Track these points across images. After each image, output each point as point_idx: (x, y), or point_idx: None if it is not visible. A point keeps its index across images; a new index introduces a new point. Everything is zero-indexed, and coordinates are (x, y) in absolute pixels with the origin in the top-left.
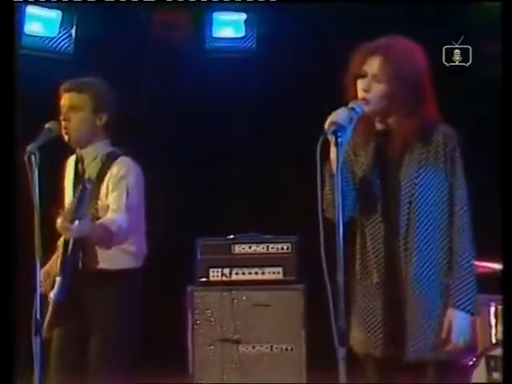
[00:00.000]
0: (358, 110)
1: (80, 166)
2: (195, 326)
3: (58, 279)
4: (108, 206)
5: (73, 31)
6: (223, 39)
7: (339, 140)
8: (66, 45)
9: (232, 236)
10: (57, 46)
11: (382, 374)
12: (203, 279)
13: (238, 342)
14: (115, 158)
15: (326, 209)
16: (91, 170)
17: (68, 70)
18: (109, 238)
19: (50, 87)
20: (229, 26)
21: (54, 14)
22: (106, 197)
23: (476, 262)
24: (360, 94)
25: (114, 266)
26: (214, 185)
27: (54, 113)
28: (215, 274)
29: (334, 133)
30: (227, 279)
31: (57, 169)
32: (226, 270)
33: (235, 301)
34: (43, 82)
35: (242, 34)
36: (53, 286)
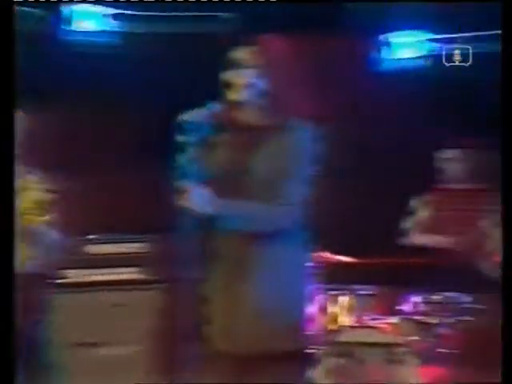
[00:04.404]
0: (210, 106)
1: None
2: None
3: None
4: None
5: None
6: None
7: (189, 137)
8: None
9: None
10: None
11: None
12: (60, 281)
13: (95, 345)
14: None
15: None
16: None
17: None
18: None
19: None
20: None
21: None
22: None
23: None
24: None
25: None
26: None
27: None
28: (72, 275)
29: (184, 131)
30: (83, 280)
31: None
32: (83, 271)
33: (93, 302)
34: None
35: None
36: None
